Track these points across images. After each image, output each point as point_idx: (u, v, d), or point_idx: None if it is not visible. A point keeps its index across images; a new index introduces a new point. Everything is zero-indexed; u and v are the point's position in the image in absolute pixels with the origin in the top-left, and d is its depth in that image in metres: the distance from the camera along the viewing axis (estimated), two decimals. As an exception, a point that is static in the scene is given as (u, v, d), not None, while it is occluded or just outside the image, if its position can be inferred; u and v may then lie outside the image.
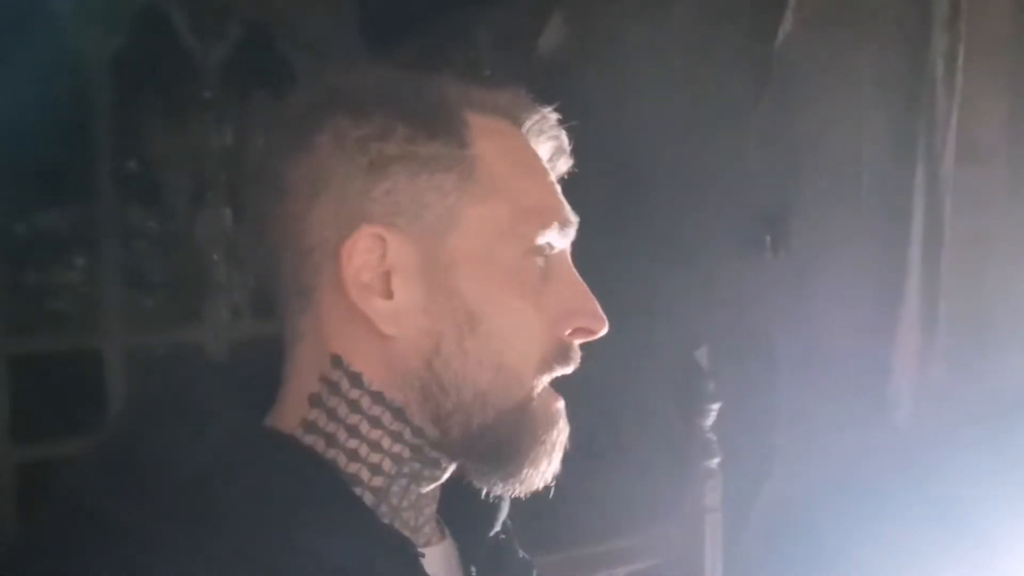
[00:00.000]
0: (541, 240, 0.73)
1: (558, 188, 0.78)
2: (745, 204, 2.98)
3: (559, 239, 0.75)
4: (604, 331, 0.76)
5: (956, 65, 2.63)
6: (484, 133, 0.74)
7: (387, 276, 0.71)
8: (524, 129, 0.78)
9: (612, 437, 3.26)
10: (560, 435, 0.75)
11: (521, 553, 0.86)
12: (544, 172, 0.78)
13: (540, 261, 0.74)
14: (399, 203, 0.71)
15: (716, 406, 2.17)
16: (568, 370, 0.75)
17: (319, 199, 0.71)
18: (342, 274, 0.71)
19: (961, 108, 2.63)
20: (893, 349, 2.71)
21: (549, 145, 0.80)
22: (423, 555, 0.71)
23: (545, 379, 0.74)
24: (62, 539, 0.65)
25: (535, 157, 0.78)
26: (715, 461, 2.19)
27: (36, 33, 3.58)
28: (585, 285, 0.76)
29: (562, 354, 0.74)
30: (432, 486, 0.76)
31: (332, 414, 0.72)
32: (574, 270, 0.77)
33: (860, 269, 2.77)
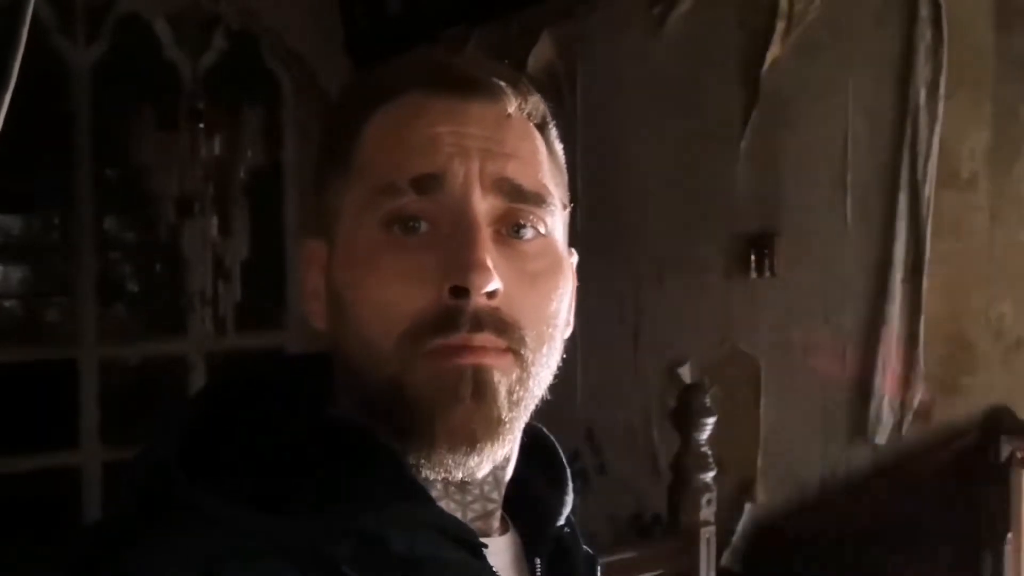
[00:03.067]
0: (394, 205, 0.70)
1: (443, 143, 0.70)
2: (731, 224, 3.03)
3: (423, 199, 0.70)
4: (481, 284, 0.67)
5: (938, 93, 2.69)
6: (376, 125, 0.73)
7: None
8: (411, 93, 0.73)
9: (594, 456, 3.29)
10: (471, 408, 0.68)
11: (585, 547, 0.86)
12: (414, 135, 0.71)
13: (406, 226, 0.70)
14: (322, 217, 0.76)
15: (711, 420, 2.19)
16: (453, 337, 0.68)
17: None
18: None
19: (943, 135, 2.69)
20: (875, 370, 2.75)
21: (431, 86, 0.73)
22: (486, 546, 0.72)
23: (421, 348, 0.68)
24: (133, 522, 0.65)
25: (406, 123, 0.72)
26: (710, 475, 2.21)
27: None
28: (472, 237, 0.68)
29: (442, 321, 0.68)
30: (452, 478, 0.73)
31: None
32: (465, 224, 0.69)
33: (843, 290, 2.82)
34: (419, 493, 0.70)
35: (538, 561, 0.79)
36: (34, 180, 3.53)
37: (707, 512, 2.19)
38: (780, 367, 2.94)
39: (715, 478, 2.30)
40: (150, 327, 3.72)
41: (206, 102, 3.41)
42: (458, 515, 0.74)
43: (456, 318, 0.67)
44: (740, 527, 2.95)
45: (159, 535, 0.63)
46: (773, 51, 2.96)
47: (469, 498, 0.75)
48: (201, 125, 3.26)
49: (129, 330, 3.67)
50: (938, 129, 2.69)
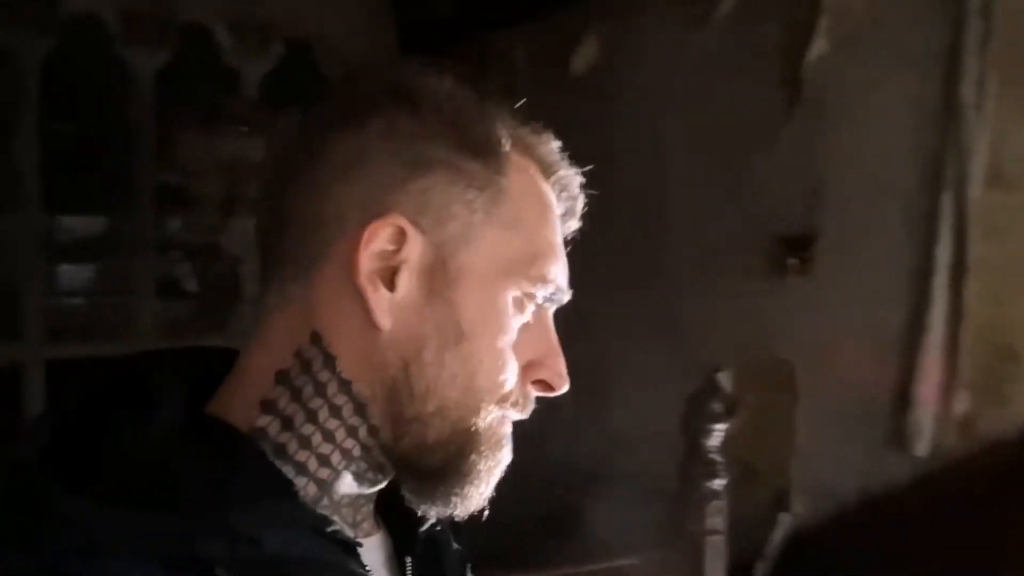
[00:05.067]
0: (538, 290, 0.76)
1: (563, 251, 0.81)
2: (770, 226, 2.95)
3: (548, 298, 0.78)
4: (563, 391, 0.79)
5: (986, 91, 2.58)
6: (518, 170, 0.77)
7: (395, 270, 0.72)
8: (550, 181, 0.80)
9: (630, 464, 3.23)
10: (502, 461, 0.77)
11: (455, 545, 0.86)
12: (556, 227, 0.80)
13: (530, 307, 0.77)
14: (429, 204, 0.73)
15: (722, 427, 2.13)
16: (519, 416, 0.78)
17: (351, 176, 0.73)
18: (356, 254, 0.71)
19: (991, 134, 2.57)
20: (915, 377, 2.64)
21: (565, 204, 0.82)
22: (360, 545, 0.72)
23: (499, 414, 0.76)
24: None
25: (553, 209, 0.80)
26: (718, 483, 2.14)
27: (85, 48, 3.69)
28: (558, 346, 0.79)
29: (519, 399, 0.77)
30: (371, 489, 0.77)
31: (296, 394, 0.72)
32: (553, 329, 0.80)
33: (884, 295, 2.72)
34: (288, 494, 0.70)
35: (408, 560, 0.81)
36: (97, 182, 3.65)
37: (714, 521, 2.13)
38: (817, 373, 2.85)
39: (746, 488, 2.24)
40: (199, 325, 3.80)
41: (258, 106, 3.49)
42: (348, 518, 0.75)
43: (527, 402, 0.78)
44: (775, 539, 2.86)
45: (14, 537, 0.62)
46: (816, 47, 2.87)
47: (361, 501, 0.77)
48: (245, 128, 3.34)
49: (182, 328, 3.77)
50: (986, 128, 2.58)
